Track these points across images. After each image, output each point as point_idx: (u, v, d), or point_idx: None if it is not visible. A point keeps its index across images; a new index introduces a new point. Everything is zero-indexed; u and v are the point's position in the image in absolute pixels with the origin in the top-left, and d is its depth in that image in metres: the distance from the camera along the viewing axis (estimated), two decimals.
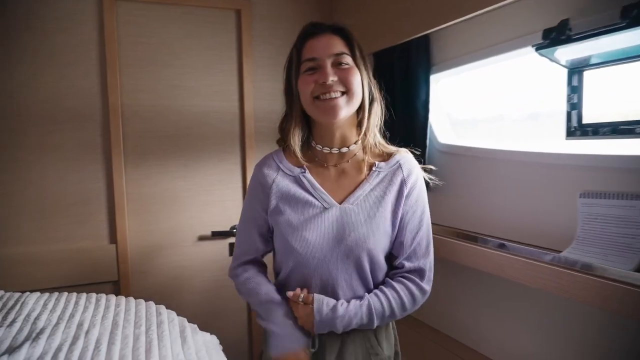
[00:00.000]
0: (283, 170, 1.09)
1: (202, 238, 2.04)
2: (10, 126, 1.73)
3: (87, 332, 1.11)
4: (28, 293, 1.30)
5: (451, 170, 1.69)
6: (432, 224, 1.12)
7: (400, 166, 1.08)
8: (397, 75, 1.80)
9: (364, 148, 1.08)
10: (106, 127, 1.86)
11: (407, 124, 1.77)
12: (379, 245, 1.04)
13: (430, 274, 1.07)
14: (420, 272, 1.06)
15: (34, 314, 1.15)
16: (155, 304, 1.35)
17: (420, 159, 1.16)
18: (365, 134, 1.06)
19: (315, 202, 1.05)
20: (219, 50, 2.04)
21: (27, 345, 1.01)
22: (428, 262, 1.07)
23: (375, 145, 1.10)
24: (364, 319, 1.01)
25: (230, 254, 1.98)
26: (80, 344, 1.07)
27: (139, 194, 1.93)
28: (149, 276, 1.97)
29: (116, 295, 1.40)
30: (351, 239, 1.02)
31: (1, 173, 1.74)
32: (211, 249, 2.06)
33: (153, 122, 1.94)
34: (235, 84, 2.07)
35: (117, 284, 1.91)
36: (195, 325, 1.31)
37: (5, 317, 1.17)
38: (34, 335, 1.06)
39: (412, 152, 1.14)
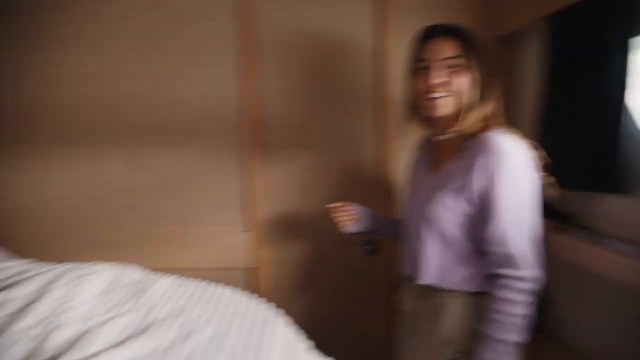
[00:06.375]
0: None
1: None
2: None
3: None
4: (159, 277, 1.37)
5: None
6: None
7: (476, 146, 1.13)
8: (583, 41, 1.36)
9: (459, 135, 1.19)
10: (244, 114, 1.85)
11: (592, 107, 1.33)
12: (439, 216, 1.17)
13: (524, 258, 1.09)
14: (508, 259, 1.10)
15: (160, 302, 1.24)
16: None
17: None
18: (460, 125, 1.17)
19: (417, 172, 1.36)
20: None
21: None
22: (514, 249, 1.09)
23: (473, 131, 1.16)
24: None
25: None
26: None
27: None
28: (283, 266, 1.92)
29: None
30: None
31: (153, 156, 1.86)
32: None
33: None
34: (369, 39, 1.79)
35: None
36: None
37: (139, 299, 1.24)
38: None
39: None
